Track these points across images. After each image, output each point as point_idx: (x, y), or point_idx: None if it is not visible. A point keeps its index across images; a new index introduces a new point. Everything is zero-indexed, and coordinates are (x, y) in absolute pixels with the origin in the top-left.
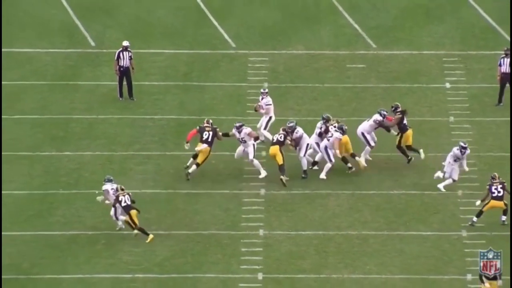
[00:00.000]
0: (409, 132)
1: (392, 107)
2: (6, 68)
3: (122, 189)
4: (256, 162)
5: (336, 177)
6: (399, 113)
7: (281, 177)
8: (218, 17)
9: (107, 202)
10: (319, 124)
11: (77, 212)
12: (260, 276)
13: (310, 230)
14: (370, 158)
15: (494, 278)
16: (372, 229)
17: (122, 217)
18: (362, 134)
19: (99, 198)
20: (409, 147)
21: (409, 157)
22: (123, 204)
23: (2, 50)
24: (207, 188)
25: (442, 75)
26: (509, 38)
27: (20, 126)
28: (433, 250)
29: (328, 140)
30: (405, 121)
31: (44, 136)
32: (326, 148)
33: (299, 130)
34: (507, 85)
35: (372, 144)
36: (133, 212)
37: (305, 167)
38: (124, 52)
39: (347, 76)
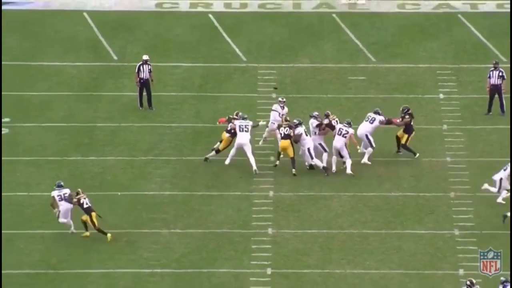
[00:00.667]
0: (413, 134)
1: (404, 109)
2: (36, 80)
3: (81, 193)
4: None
5: (338, 180)
6: (408, 116)
7: (293, 170)
8: (230, 33)
9: (54, 209)
10: (314, 123)
11: (100, 212)
12: (269, 271)
13: (315, 229)
14: (369, 163)
15: None
16: (372, 228)
17: (63, 220)
18: (366, 136)
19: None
20: (404, 145)
21: (416, 153)
22: (84, 206)
23: (33, 63)
24: (221, 190)
25: (436, 87)
26: (497, 53)
27: (48, 133)
28: (428, 247)
29: (345, 136)
30: (412, 123)
31: (70, 142)
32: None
33: (300, 130)
34: (496, 95)
35: (374, 145)
36: (94, 214)
37: (309, 161)
38: (144, 65)
39: (348, 88)
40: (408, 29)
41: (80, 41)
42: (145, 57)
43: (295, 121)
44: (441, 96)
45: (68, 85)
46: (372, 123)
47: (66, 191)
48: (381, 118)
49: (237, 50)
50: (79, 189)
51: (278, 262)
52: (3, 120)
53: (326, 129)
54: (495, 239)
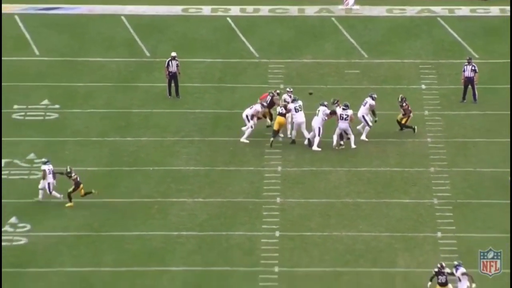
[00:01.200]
0: (411, 115)
1: (402, 99)
2: (82, 73)
3: (72, 169)
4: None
5: (336, 157)
6: (406, 104)
7: (271, 139)
8: (245, 34)
9: (42, 181)
10: (326, 110)
11: (135, 184)
12: (277, 233)
13: (316, 198)
14: (367, 140)
15: (445, 284)
16: (364, 197)
17: (56, 194)
18: (363, 116)
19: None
20: (404, 124)
21: (415, 129)
22: (78, 180)
23: (79, 59)
24: (237, 166)
25: (418, 79)
26: (470, 50)
27: (92, 118)
28: (411, 214)
29: (347, 119)
30: (410, 108)
31: (110, 125)
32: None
33: (290, 105)
34: (469, 86)
35: (371, 124)
36: (81, 186)
37: (307, 136)
38: (172, 61)
39: (345, 80)
40: (395, 30)
41: (118, 40)
42: (173, 53)
43: (294, 97)
44: (423, 86)
45: (108, 77)
46: (365, 105)
47: (51, 166)
48: (370, 100)
49: (250, 48)
50: (70, 166)
51: (285, 226)
52: (53, 106)
53: (332, 115)
54: (467, 207)
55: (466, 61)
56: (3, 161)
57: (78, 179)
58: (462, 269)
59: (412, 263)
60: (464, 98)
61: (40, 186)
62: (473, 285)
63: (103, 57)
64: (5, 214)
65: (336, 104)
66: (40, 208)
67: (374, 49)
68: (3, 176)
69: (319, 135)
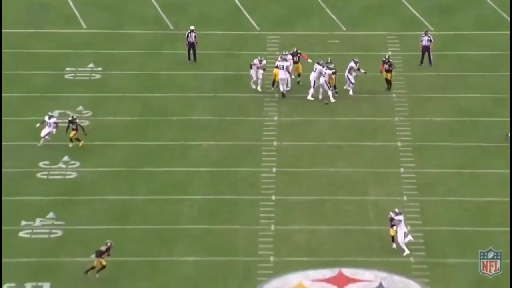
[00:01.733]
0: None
1: (387, 58)
2: (119, 43)
3: (76, 119)
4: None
5: (321, 109)
6: (388, 63)
7: (272, 87)
8: (249, 11)
9: (43, 130)
10: (323, 69)
11: (162, 131)
12: (274, 169)
13: (306, 142)
14: (352, 94)
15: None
16: (344, 141)
17: (43, 135)
18: (347, 76)
19: (37, 125)
20: (388, 81)
21: (390, 87)
22: (78, 127)
23: (117, 31)
24: (242, 116)
25: (386, 47)
26: (427, 24)
27: (128, 78)
28: (380, 154)
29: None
30: (392, 68)
31: (142, 85)
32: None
33: (279, 63)
34: (426, 53)
35: (353, 81)
36: (77, 131)
37: (281, 89)
38: (191, 33)
39: (328, 48)
40: (368, 8)
41: (148, 17)
42: (191, 27)
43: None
44: (389, 53)
45: (140, 46)
46: (348, 67)
47: (54, 119)
48: (352, 64)
49: (253, 22)
50: (74, 115)
51: (280, 164)
52: (97, 68)
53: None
54: (424, 148)
55: (423, 33)
56: (57, 112)
57: (77, 126)
58: (400, 217)
59: (380, 193)
60: (421, 62)
61: (42, 134)
62: (408, 227)
63: (136, 30)
64: (58, 153)
65: (330, 63)
66: (88, 150)
67: (351, 23)
68: (59, 125)
69: (313, 87)
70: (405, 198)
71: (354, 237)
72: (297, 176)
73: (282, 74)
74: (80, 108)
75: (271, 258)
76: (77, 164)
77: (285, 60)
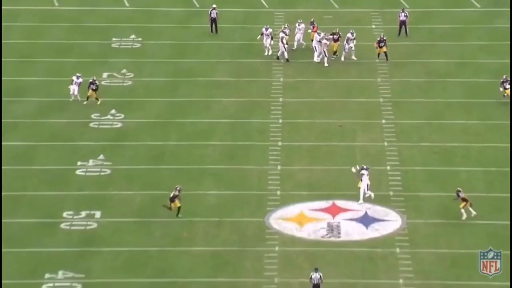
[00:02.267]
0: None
1: (381, 37)
2: (156, 18)
3: (95, 80)
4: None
5: (318, 72)
6: (384, 41)
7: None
8: None
9: (70, 87)
10: (327, 37)
11: (191, 88)
12: (280, 120)
13: (306, 98)
14: (342, 60)
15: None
16: (336, 97)
17: (71, 92)
18: (344, 46)
19: (69, 86)
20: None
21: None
22: (95, 86)
23: (155, 9)
24: (254, 77)
25: (371, 22)
26: (404, 3)
27: (163, 46)
28: (366, 107)
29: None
30: (385, 44)
31: (175, 51)
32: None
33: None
34: (403, 26)
35: (346, 50)
36: (96, 92)
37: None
38: (213, 10)
39: (324, 22)
40: None
41: None
42: (213, 5)
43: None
44: (373, 26)
45: (172, 20)
46: (346, 37)
47: (81, 80)
48: (349, 34)
49: (263, 1)
50: (94, 77)
51: (285, 116)
52: (138, 39)
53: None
54: (402, 103)
55: (401, 10)
56: (106, 74)
57: (96, 87)
58: (365, 171)
59: (366, 139)
60: (399, 33)
61: (70, 92)
62: (368, 182)
63: (169, 7)
64: (106, 107)
65: (336, 33)
66: (130, 104)
67: (342, 2)
68: (104, 83)
69: (316, 51)
70: (385, 143)
71: (345, 175)
72: (299, 126)
73: (281, 47)
74: (124, 71)
75: (278, 192)
76: (122, 116)
77: (285, 33)
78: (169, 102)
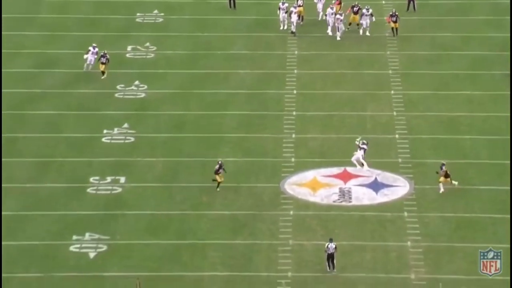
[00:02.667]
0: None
1: (393, 12)
2: (184, 7)
3: (106, 53)
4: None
5: (330, 45)
6: (395, 16)
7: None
8: None
9: (86, 56)
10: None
11: (210, 61)
12: (294, 91)
13: (319, 70)
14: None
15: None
16: (348, 69)
17: (87, 61)
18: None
19: (85, 56)
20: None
21: (396, 33)
22: (105, 58)
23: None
24: (270, 50)
25: None
26: None
27: (183, 21)
28: (376, 79)
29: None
30: (397, 19)
31: (194, 25)
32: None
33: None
34: (411, 3)
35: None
36: (106, 64)
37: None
38: None
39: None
40: None
41: None
42: None
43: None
44: (383, 2)
45: (199, 11)
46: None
47: (97, 50)
48: (364, 10)
49: None
50: (105, 50)
51: (299, 87)
52: (160, 14)
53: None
54: (410, 75)
55: None
56: (129, 47)
57: (107, 60)
58: (365, 146)
59: (376, 109)
60: (408, 9)
61: (87, 61)
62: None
63: None
64: (130, 79)
65: (355, 6)
66: (153, 75)
67: None
68: (128, 56)
69: (329, 24)
70: (394, 113)
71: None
72: (312, 96)
73: (293, 17)
74: (147, 44)
75: (292, 159)
76: (145, 86)
77: (295, 7)
78: (190, 74)
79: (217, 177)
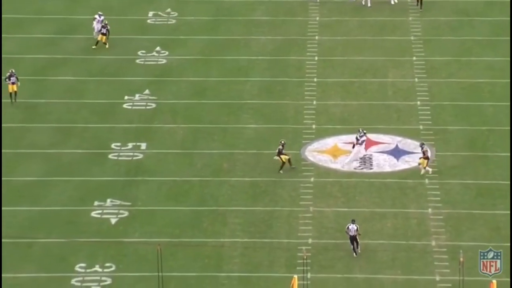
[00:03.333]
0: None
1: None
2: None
3: (107, 24)
4: None
5: (352, 11)
6: None
7: None
8: None
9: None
10: None
11: (229, 26)
12: (316, 58)
13: (340, 36)
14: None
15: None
16: (369, 36)
17: (95, 30)
18: None
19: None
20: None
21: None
22: (105, 29)
23: None
24: (291, 16)
25: None
26: None
27: (200, 6)
28: (398, 45)
29: None
30: None
31: (210, 9)
32: None
33: None
34: None
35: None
36: (106, 35)
37: None
38: None
39: None
40: None
41: None
42: None
43: None
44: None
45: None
46: None
47: (103, 18)
48: None
49: None
50: (106, 22)
51: (321, 53)
52: (174, 13)
53: None
54: (432, 41)
55: None
56: (151, 12)
57: (107, 31)
58: (364, 137)
59: (397, 75)
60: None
61: (95, 29)
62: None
63: None
64: (152, 45)
65: None
66: (174, 41)
67: None
68: (149, 22)
69: None
70: (416, 80)
71: (377, 110)
72: (333, 63)
73: None
74: (169, 10)
75: (313, 126)
76: (167, 53)
77: None
78: (211, 40)
79: (282, 158)
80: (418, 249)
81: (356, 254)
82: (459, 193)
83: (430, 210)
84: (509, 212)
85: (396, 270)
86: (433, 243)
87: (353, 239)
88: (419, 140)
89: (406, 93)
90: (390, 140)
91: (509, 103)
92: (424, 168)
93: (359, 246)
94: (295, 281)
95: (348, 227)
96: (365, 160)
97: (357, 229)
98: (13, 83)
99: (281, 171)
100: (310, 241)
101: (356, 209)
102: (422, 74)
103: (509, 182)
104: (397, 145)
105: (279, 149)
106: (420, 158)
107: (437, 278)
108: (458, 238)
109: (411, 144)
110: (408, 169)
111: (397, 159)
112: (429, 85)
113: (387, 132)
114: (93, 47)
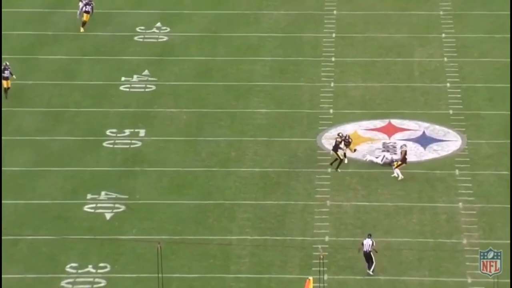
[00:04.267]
0: None
1: None
2: None
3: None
4: None
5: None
6: None
7: None
8: None
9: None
10: None
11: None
12: (333, 35)
13: (360, 11)
14: None
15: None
16: (393, 10)
17: (78, 13)
18: None
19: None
20: None
21: None
22: (88, 7)
23: None
24: (303, 10)
25: None
26: None
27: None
28: (425, 21)
29: None
30: None
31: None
32: None
33: None
34: None
35: None
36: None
37: None
38: None
39: None
40: None
41: None
42: None
43: None
44: None
45: None
46: None
47: (87, 0)
48: None
49: None
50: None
51: (339, 30)
52: None
53: None
54: (463, 16)
55: None
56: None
57: (92, 9)
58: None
59: (424, 54)
60: None
61: (77, 16)
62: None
63: None
64: (151, 20)
65: None
66: (177, 16)
67: None
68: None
69: None
70: (445, 59)
71: (401, 92)
72: (353, 40)
73: None
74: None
75: (331, 111)
76: (168, 29)
77: None
78: (217, 14)
79: (338, 154)
80: (447, 248)
81: (370, 273)
82: (493, 186)
83: (460, 204)
84: None
85: (423, 271)
86: (464, 241)
87: (368, 256)
88: (449, 127)
89: (434, 74)
90: (417, 127)
91: None
92: (395, 168)
93: (373, 266)
94: (310, 283)
95: (362, 243)
96: (389, 148)
97: (372, 244)
98: (6, 78)
99: (338, 170)
100: (327, 238)
101: (378, 203)
102: (452, 53)
103: None
104: (424, 132)
105: (337, 141)
106: (395, 162)
107: (469, 280)
108: (491, 235)
109: (439, 131)
110: (437, 159)
111: (424, 148)
112: (459, 65)
113: (413, 118)
114: (82, 30)
